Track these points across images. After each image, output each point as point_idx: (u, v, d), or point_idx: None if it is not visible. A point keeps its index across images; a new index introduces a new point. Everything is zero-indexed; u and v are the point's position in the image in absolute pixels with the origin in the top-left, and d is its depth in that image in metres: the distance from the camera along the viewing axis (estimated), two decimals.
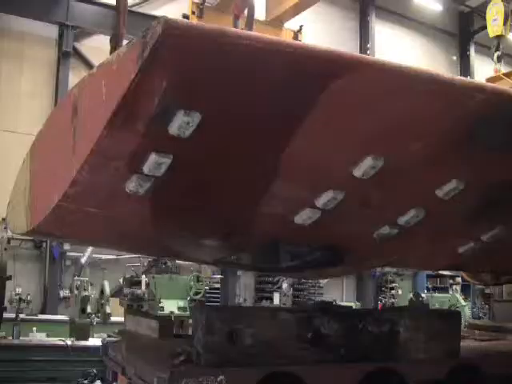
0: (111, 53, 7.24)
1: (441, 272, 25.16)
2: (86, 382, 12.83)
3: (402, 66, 4.70)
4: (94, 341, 14.14)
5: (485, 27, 13.31)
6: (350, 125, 5.06)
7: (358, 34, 27.20)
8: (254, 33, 4.36)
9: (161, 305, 15.07)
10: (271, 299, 23.02)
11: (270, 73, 4.38)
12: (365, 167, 5.41)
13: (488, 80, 12.26)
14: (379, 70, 4.66)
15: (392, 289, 26.40)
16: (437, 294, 25.99)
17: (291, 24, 18.71)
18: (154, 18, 4.01)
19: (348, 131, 5.12)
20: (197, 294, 16.49)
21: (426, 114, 5.14)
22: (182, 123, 4.45)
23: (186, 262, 16.20)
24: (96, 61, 18.56)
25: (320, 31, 24.64)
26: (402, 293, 25.62)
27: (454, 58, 30.22)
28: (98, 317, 15.80)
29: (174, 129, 4.50)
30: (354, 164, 5.42)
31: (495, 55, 12.24)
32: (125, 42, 6.67)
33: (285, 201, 5.92)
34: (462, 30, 30.17)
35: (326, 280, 23.11)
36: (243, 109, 4.65)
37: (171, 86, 4.21)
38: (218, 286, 22.32)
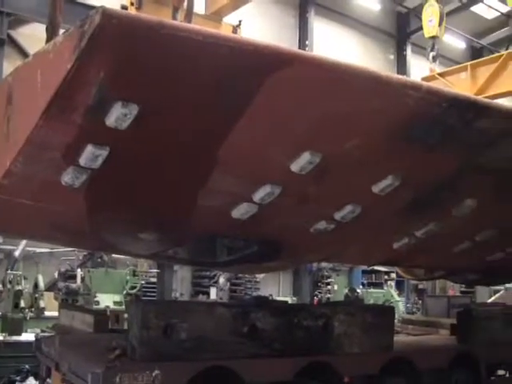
0: (47, 42, 7.12)
1: (376, 268, 25.57)
2: (18, 378, 12.58)
3: (340, 62, 4.73)
4: (28, 336, 13.82)
5: (421, 28, 13.54)
6: (288, 120, 5.07)
7: (298, 30, 27.33)
8: (192, 25, 4.35)
9: (96, 299, 14.91)
10: (208, 294, 23.01)
11: (208, 66, 4.36)
12: (302, 162, 5.43)
13: (423, 79, 12.48)
14: (316, 65, 4.68)
15: (328, 284, 26.66)
16: (372, 290, 26.42)
17: (231, 18, 18.70)
18: (92, 7, 3.95)
19: (286, 126, 5.13)
20: (133, 288, 16.38)
21: (363, 111, 5.19)
22: (119, 115, 4.39)
23: (123, 256, 16.04)
24: (31, 49, 18.20)
25: (260, 26, 24.69)
26: (337, 288, 25.89)
27: (392, 57, 30.67)
28: (31, 311, 15.54)
29: (111, 120, 4.43)
30: (291, 159, 5.44)
31: (430, 55, 12.48)
32: (61, 31, 6.54)
33: (222, 195, 5.91)
34: (400, 30, 30.63)
35: (262, 275, 23.17)
36: (181, 102, 4.63)
37: (108, 76, 4.16)
38: (154, 280, 22.19)
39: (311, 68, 4.67)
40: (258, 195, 5.84)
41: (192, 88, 4.50)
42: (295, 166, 5.47)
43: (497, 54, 13.21)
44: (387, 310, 9.16)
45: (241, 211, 6.08)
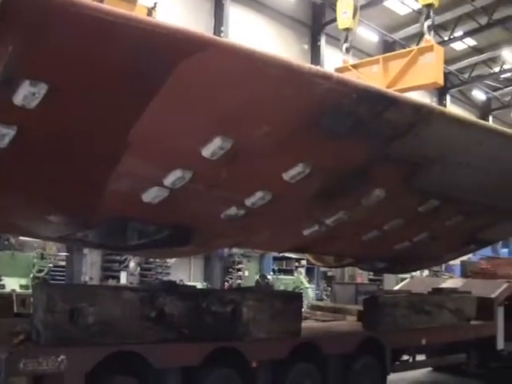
0: None
1: (287, 254, 25.81)
2: None
3: (252, 50, 4.75)
4: None
5: (335, 19, 13.71)
6: (199, 105, 5.07)
7: (214, 16, 27.18)
8: (104, 5, 4.26)
9: (2, 282, 14.54)
10: (118, 278, 22.74)
11: (119, 48, 4.31)
12: (213, 148, 5.45)
13: (337, 70, 12.65)
14: (229, 52, 4.69)
15: (239, 270, 26.73)
16: (282, 276, 26.67)
17: (146, 0, 18.43)
18: None
19: (197, 111, 5.13)
20: (40, 271, 16.06)
21: (274, 98, 5.24)
22: (27, 93, 4.30)
23: (30, 239, 15.69)
24: None
25: (176, 11, 24.40)
26: (248, 274, 26.02)
27: (306, 47, 30.88)
28: None
29: (18, 99, 4.33)
30: (202, 144, 5.44)
31: (344, 47, 12.65)
32: None
33: (133, 178, 5.86)
34: (315, 21, 30.85)
35: (173, 260, 23.06)
36: (91, 83, 4.56)
37: (16, 53, 4.05)
38: (63, 263, 21.77)
39: (224, 54, 4.68)
40: (169, 180, 5.83)
41: (102, 69, 4.44)
42: (206, 151, 5.48)
43: (408, 49, 13.54)
44: (295, 297, 9.27)
45: (151, 195, 6.04)
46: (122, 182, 5.82)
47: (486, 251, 17.48)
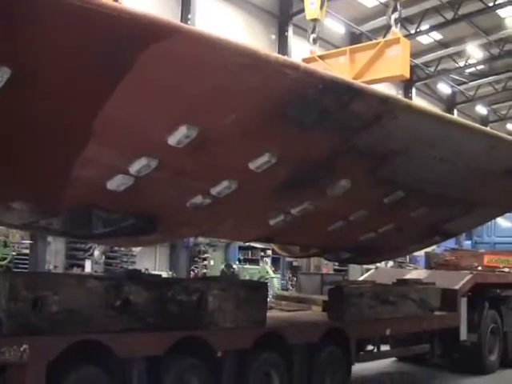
0: None
1: (252, 244, 25.86)
2: None
3: (219, 37, 4.72)
4: None
5: (303, 10, 13.69)
6: (165, 93, 5.04)
7: (181, 4, 27.00)
8: None
9: None
10: (83, 267, 22.63)
11: (85, 32, 4.26)
12: (179, 136, 5.41)
13: (304, 60, 12.64)
14: (195, 39, 4.66)
15: (205, 259, 26.78)
16: (248, 266, 26.77)
17: None
18: None
19: (163, 99, 5.09)
20: (3, 259, 15.93)
21: (241, 87, 5.23)
22: None
23: None
24: None
25: None
26: (214, 263, 26.07)
27: (274, 37, 30.90)
28: None
29: None
30: (168, 132, 5.41)
31: (311, 37, 12.64)
32: None
33: (97, 166, 5.79)
34: (282, 11, 30.87)
35: (139, 248, 23.01)
36: (56, 69, 4.50)
37: None
38: (26, 251, 21.59)
39: (190, 41, 4.64)
40: (134, 167, 5.77)
41: (66, 55, 4.38)
42: (172, 140, 5.45)
43: (374, 41, 13.58)
44: (261, 286, 9.29)
45: (116, 183, 5.98)
46: (86, 169, 5.75)
47: (450, 243, 17.67)
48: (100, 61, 4.50)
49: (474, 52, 36.51)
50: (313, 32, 12.61)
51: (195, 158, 5.94)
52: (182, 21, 25.23)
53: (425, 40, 34.92)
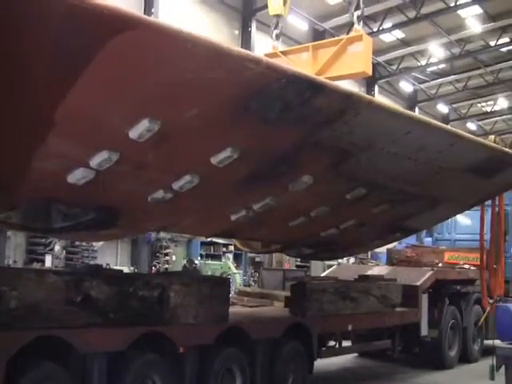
0: None
1: (215, 239, 25.85)
2: None
3: (182, 30, 4.69)
4: None
5: (266, 5, 13.67)
6: (128, 85, 4.99)
7: None
8: None
9: None
10: (43, 262, 22.38)
11: (45, 24, 4.20)
12: (141, 129, 5.37)
13: (266, 56, 12.62)
14: (159, 31, 4.62)
15: (166, 254, 26.69)
16: (210, 261, 26.76)
17: None
18: None
19: (125, 92, 5.05)
20: None
21: (203, 81, 5.20)
22: None
23: None
24: None
25: None
26: (176, 259, 26.02)
27: (237, 32, 30.84)
28: None
29: None
30: (130, 125, 5.36)
31: (274, 33, 12.60)
32: None
33: (58, 158, 5.71)
34: (245, 6, 30.81)
35: (100, 243, 22.82)
36: (17, 58, 4.43)
37: None
38: None
39: (153, 33, 4.60)
40: (95, 161, 5.71)
41: (28, 44, 4.32)
42: (133, 133, 5.40)
43: (337, 38, 13.65)
44: (223, 282, 9.27)
45: (77, 176, 5.90)
46: (46, 162, 5.67)
47: (411, 239, 17.85)
48: (62, 51, 4.44)
49: (436, 51, 36.86)
50: (276, 28, 12.57)
51: (157, 152, 5.90)
52: (145, 14, 25.05)
53: (387, 38, 35.12)
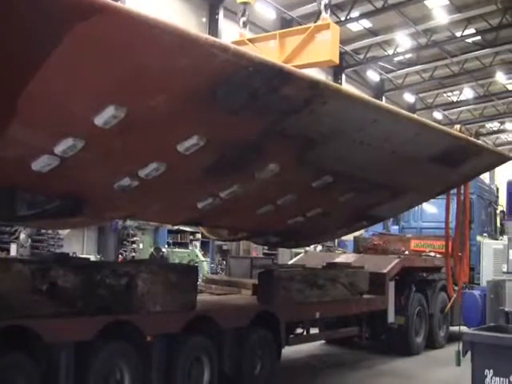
0: None
1: (182, 227, 25.77)
2: None
3: (149, 16, 4.66)
4: None
5: None
6: (93, 71, 4.94)
7: None
8: None
9: None
10: (8, 250, 22.14)
11: (7, 9, 4.14)
12: (106, 116, 5.33)
13: (233, 43, 12.56)
14: (125, 16, 4.57)
15: (133, 242, 26.56)
16: (177, 249, 26.68)
17: None
18: None
19: (90, 78, 4.99)
20: None
21: (170, 68, 5.18)
22: None
23: None
24: None
25: None
26: (143, 247, 25.90)
27: (204, 20, 30.70)
28: None
29: None
30: (95, 112, 5.32)
31: (241, 21, 12.53)
32: None
33: (22, 146, 5.62)
34: None
35: (66, 232, 22.65)
36: None
37: None
38: None
39: (119, 19, 4.55)
40: (60, 148, 5.64)
41: None
42: (99, 120, 5.36)
43: (305, 26, 13.59)
44: (190, 270, 9.24)
45: (41, 164, 5.83)
46: (9, 149, 5.59)
47: (378, 227, 17.97)
48: (27, 37, 4.38)
49: (403, 41, 37.06)
50: (243, 15, 12.50)
51: (123, 139, 5.85)
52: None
53: (355, 27, 35.20)
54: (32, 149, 5.77)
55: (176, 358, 8.13)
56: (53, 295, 6.90)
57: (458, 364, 9.48)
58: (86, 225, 15.69)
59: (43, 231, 22.25)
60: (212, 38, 5.32)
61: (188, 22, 28.57)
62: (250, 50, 10.17)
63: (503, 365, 6.94)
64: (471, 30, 35.04)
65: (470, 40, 36.42)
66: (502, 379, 6.92)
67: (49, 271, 6.92)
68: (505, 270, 13.20)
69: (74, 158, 5.81)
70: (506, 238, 14.14)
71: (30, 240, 21.68)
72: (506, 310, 8.90)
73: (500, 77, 41.81)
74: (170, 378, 8.06)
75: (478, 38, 35.98)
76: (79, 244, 25.55)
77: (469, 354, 7.29)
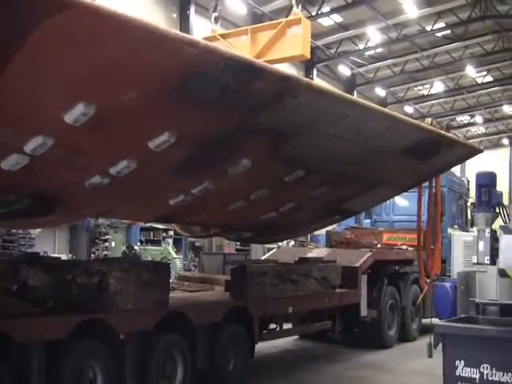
0: None
1: (154, 225, 25.68)
2: None
3: (118, 12, 4.62)
4: None
5: None
6: (62, 68, 4.89)
7: None
8: None
9: None
10: None
11: None
12: (76, 114, 5.28)
13: (205, 39, 12.52)
14: (92, 12, 4.52)
15: (106, 241, 26.43)
16: (150, 247, 26.61)
17: None
18: None
19: (60, 75, 4.94)
20: None
21: (139, 64, 5.14)
22: None
23: None
24: None
25: None
26: (115, 245, 25.75)
27: (175, 15, 30.55)
28: None
29: None
30: (65, 110, 5.27)
31: (213, 16, 12.49)
32: None
33: None
34: None
35: (37, 231, 22.47)
36: None
37: None
38: None
39: (88, 15, 4.50)
40: (30, 146, 5.58)
41: None
42: (69, 118, 5.31)
43: (276, 21, 13.55)
44: (162, 267, 9.19)
45: (11, 162, 5.76)
46: None
47: (350, 221, 18.05)
48: None
49: (374, 35, 37.18)
50: (214, 11, 12.45)
51: (93, 137, 5.81)
52: None
53: (326, 22, 35.22)
54: (1, 147, 5.70)
55: (149, 356, 8.09)
56: (24, 295, 6.83)
57: (430, 356, 9.53)
58: (58, 224, 15.56)
59: (14, 231, 22.07)
60: (182, 34, 5.29)
61: (158, 17, 28.39)
62: (221, 45, 10.13)
63: (474, 355, 7.00)
64: (441, 24, 35.22)
65: (439, 34, 36.63)
66: (472, 369, 6.97)
67: (19, 271, 6.86)
68: (475, 261, 13.37)
69: (44, 157, 5.75)
70: (475, 229, 14.28)
71: (0, 240, 21.49)
72: (477, 301, 9.00)
73: (470, 70, 42.11)
74: (143, 376, 8.02)
75: (448, 31, 36.20)
76: (51, 243, 25.35)
77: (440, 345, 7.34)
